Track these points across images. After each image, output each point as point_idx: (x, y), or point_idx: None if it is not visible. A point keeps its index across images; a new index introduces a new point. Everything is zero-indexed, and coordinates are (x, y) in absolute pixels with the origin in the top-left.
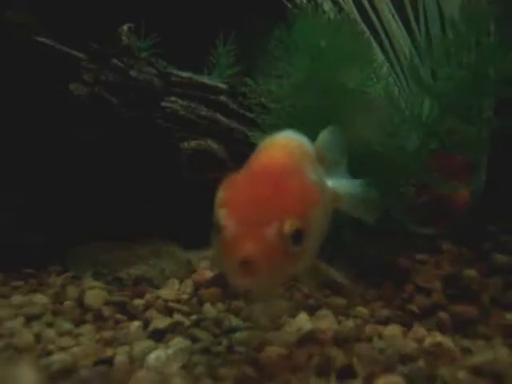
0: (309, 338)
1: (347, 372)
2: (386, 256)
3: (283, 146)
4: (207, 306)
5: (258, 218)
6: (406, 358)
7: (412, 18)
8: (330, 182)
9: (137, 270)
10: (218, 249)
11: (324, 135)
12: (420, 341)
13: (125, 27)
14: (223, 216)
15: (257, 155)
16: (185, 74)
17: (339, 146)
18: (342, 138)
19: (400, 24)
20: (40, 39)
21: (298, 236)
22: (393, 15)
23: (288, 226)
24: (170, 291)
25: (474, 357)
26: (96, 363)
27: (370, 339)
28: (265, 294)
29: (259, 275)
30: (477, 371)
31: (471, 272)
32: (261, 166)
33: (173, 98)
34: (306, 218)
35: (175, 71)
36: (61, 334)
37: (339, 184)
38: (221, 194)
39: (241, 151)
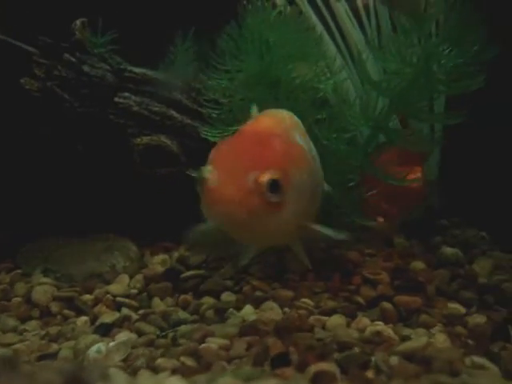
0: (250, 329)
1: (281, 360)
2: (335, 249)
3: (272, 115)
4: (156, 301)
5: (238, 170)
6: (343, 346)
7: (363, 13)
8: None
9: (88, 266)
10: (204, 199)
11: None
12: (362, 330)
13: (78, 22)
14: (209, 170)
15: (248, 123)
16: (138, 70)
17: None
18: None
19: (353, 19)
20: None
21: (275, 186)
22: (346, 10)
23: (265, 175)
24: (119, 286)
25: (408, 343)
26: (40, 358)
27: (311, 329)
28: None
29: (239, 219)
30: (408, 356)
31: (419, 264)
32: (247, 130)
33: (126, 94)
34: (285, 172)
35: (129, 67)
36: (4, 331)
37: None
38: (211, 154)
39: (194, 146)
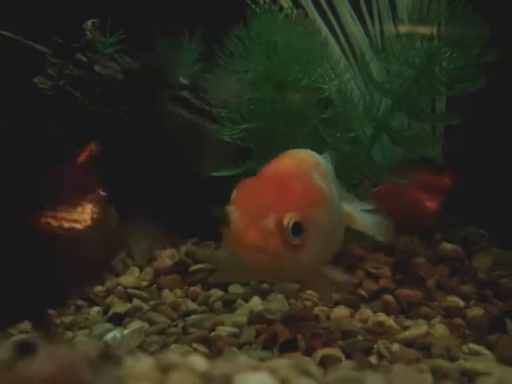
0: (258, 318)
1: (290, 346)
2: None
3: (293, 156)
4: (166, 292)
5: (260, 212)
6: (347, 335)
7: (367, 16)
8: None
9: None
10: (227, 240)
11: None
12: (365, 321)
13: (89, 22)
14: (231, 212)
15: (268, 164)
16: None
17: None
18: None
19: (357, 22)
20: (5, 33)
21: (296, 228)
22: (350, 13)
23: (287, 218)
24: (130, 278)
25: (408, 331)
26: None
27: (316, 319)
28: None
29: (261, 261)
30: (409, 343)
31: (419, 259)
32: (268, 171)
33: None
34: (306, 214)
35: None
36: None
37: (351, 206)
38: (233, 195)
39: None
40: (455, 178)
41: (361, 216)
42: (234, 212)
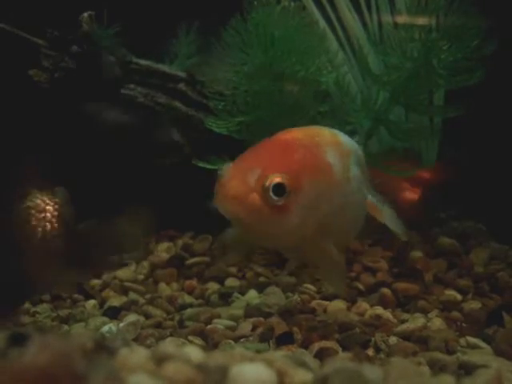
0: (255, 311)
1: (286, 339)
2: None
3: (309, 129)
4: (162, 286)
5: (248, 168)
6: (344, 328)
7: (365, 8)
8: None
9: None
10: (216, 193)
11: None
12: (362, 314)
13: (85, 14)
14: (225, 167)
15: (281, 132)
16: (144, 62)
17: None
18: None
19: (355, 14)
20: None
21: (279, 189)
22: (348, 5)
23: (270, 177)
24: (126, 272)
25: (406, 324)
26: None
27: (313, 312)
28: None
29: (241, 215)
30: (406, 337)
31: (417, 253)
32: (277, 137)
33: (132, 86)
34: (297, 180)
35: (135, 59)
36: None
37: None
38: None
39: (198, 137)
40: (440, 172)
41: (386, 210)
42: (228, 168)
